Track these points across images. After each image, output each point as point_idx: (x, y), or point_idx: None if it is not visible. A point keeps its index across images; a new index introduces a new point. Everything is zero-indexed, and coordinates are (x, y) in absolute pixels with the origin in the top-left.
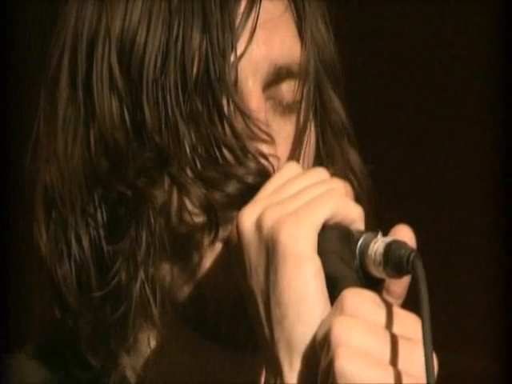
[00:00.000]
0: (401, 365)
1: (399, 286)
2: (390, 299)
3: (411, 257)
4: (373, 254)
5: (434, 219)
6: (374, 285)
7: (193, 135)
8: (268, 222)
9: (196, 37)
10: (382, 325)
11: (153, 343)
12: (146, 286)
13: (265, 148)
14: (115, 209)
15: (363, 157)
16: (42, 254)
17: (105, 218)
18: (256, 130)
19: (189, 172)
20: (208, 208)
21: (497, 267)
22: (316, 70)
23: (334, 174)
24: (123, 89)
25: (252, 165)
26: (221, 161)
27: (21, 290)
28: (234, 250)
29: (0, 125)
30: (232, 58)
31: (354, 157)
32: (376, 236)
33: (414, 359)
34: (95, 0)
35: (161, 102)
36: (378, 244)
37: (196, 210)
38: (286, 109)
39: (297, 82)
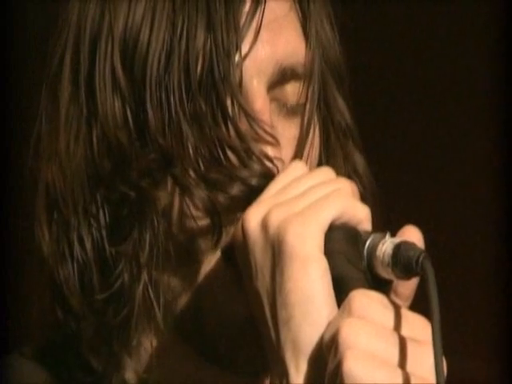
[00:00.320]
0: (409, 367)
1: (407, 287)
2: (397, 301)
3: (420, 258)
4: (381, 255)
5: (437, 221)
6: (382, 286)
7: (196, 136)
8: (274, 222)
9: (200, 36)
10: (391, 327)
11: (155, 347)
12: (149, 288)
13: (269, 150)
14: (118, 210)
15: (367, 158)
16: (44, 254)
17: (107, 218)
18: (261, 132)
19: (192, 173)
20: (211, 210)
21: (500, 269)
22: (321, 71)
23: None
24: (126, 88)
25: (256, 167)
26: (224, 162)
27: (20, 290)
28: (240, 250)
29: (0, 125)
30: (237, 58)
31: (358, 159)
32: (384, 237)
33: (423, 361)
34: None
35: (164, 101)
36: (387, 245)
37: (199, 213)
38: (290, 110)
39: (301, 84)
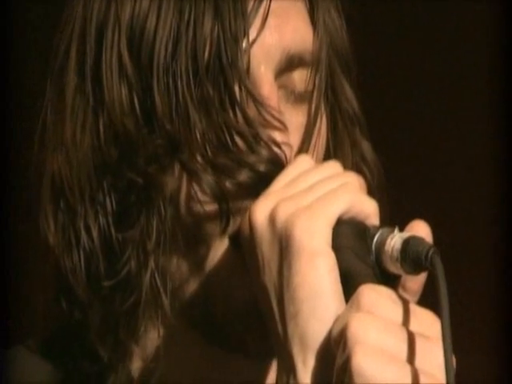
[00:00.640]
0: (418, 363)
1: (415, 282)
2: (406, 296)
3: (430, 253)
4: (390, 250)
5: (441, 214)
6: (390, 281)
7: (204, 122)
8: (282, 217)
9: (208, 22)
10: (399, 322)
11: (163, 334)
12: (157, 275)
13: (277, 136)
14: (125, 196)
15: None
16: (50, 244)
17: (114, 206)
18: (268, 117)
19: (200, 159)
20: (219, 196)
21: (501, 266)
22: (328, 59)
23: (347, 162)
24: (133, 76)
25: (264, 152)
26: (232, 148)
27: (21, 287)
28: (246, 244)
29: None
30: (244, 44)
31: (366, 147)
32: (392, 231)
33: (432, 357)
34: None
35: (171, 88)
36: (395, 240)
37: (207, 198)
38: (297, 98)
39: (309, 71)
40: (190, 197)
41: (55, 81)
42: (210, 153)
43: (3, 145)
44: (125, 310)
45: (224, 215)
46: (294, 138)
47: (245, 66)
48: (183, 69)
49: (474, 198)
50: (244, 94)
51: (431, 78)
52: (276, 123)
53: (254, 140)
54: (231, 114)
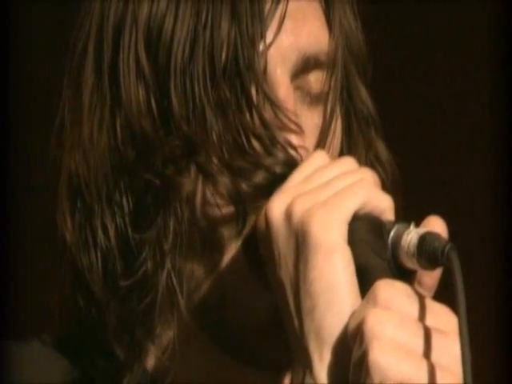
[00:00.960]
0: (435, 358)
1: (431, 277)
2: (421, 291)
3: (446, 249)
4: (406, 245)
5: (451, 214)
6: (406, 276)
7: (220, 124)
8: (298, 212)
9: (225, 25)
10: (416, 317)
11: (178, 335)
12: (173, 275)
13: (294, 138)
14: (142, 197)
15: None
16: (67, 242)
17: (131, 206)
18: (285, 120)
19: (216, 161)
20: (235, 198)
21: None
22: (344, 60)
23: (361, 162)
24: (150, 76)
25: (280, 155)
26: (249, 150)
27: (21, 285)
28: (263, 239)
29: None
30: (261, 47)
31: (381, 147)
32: (408, 227)
33: (449, 352)
34: None
35: (188, 89)
36: (412, 235)
37: (223, 201)
38: (313, 99)
39: (324, 73)
40: (205, 199)
41: (72, 79)
42: (226, 155)
43: (3, 141)
44: (141, 310)
45: (240, 217)
46: (310, 139)
47: (262, 69)
48: (200, 71)
49: (486, 197)
50: (261, 96)
51: (439, 76)
52: (292, 126)
53: (271, 142)
54: (248, 117)
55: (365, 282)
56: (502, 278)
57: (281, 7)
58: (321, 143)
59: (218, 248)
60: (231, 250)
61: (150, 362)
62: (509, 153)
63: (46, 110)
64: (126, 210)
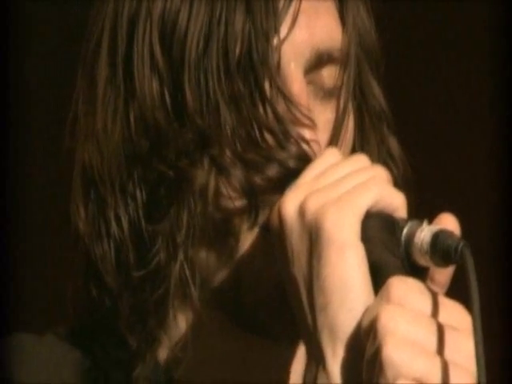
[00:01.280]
0: (448, 354)
1: (444, 274)
2: (434, 288)
3: (460, 246)
4: (419, 243)
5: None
6: (419, 273)
7: (234, 117)
8: (311, 209)
9: (239, 19)
10: (429, 314)
11: (191, 324)
12: (186, 266)
13: (306, 133)
14: (155, 189)
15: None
16: (80, 232)
17: (144, 197)
18: (298, 114)
19: (229, 154)
20: (249, 191)
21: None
22: (356, 56)
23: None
24: (164, 69)
25: (293, 149)
26: (262, 144)
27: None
28: (276, 235)
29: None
30: (275, 42)
31: (393, 143)
32: (421, 224)
33: (462, 349)
34: None
35: (202, 83)
36: (425, 233)
37: (236, 193)
38: (326, 94)
39: (337, 68)
40: (219, 191)
41: (86, 71)
42: (239, 148)
43: (3, 141)
44: (154, 300)
45: (253, 210)
46: (322, 134)
47: (275, 63)
48: (214, 65)
49: (497, 194)
50: (274, 90)
51: (444, 75)
52: (305, 120)
53: (284, 136)
54: (261, 110)
55: (378, 278)
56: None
57: (295, 2)
58: (333, 138)
59: (231, 238)
60: (244, 239)
61: (163, 352)
62: None
63: (46, 109)
64: (140, 201)
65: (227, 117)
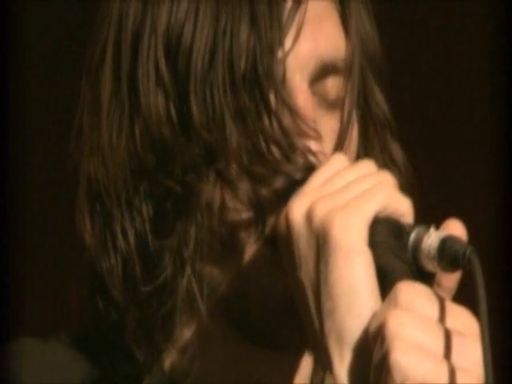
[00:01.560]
0: (455, 359)
1: (451, 279)
2: (441, 293)
3: (467, 252)
4: (427, 248)
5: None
6: (426, 278)
7: (240, 130)
8: (319, 214)
9: (244, 32)
10: (436, 319)
11: (197, 337)
12: (193, 281)
13: (312, 144)
14: (161, 203)
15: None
16: (86, 244)
17: (151, 212)
18: (304, 127)
19: (235, 167)
20: (256, 204)
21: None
22: (360, 65)
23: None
24: (169, 84)
25: (300, 161)
26: (268, 156)
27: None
28: (283, 241)
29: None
30: (280, 54)
31: (396, 150)
32: (428, 230)
33: (469, 354)
34: None
35: (208, 97)
36: (432, 238)
37: (243, 206)
38: (330, 104)
39: (341, 78)
40: (225, 204)
41: (91, 82)
42: (245, 161)
43: (4, 140)
44: (161, 315)
45: (260, 222)
46: (327, 144)
47: (280, 76)
48: (220, 78)
49: (500, 199)
50: (280, 103)
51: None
52: (311, 132)
53: (290, 148)
54: (267, 123)
55: (385, 284)
56: None
57: (299, 14)
58: (338, 147)
59: (237, 251)
60: (251, 252)
61: (169, 364)
62: None
63: (46, 109)
64: (146, 215)
65: (233, 130)
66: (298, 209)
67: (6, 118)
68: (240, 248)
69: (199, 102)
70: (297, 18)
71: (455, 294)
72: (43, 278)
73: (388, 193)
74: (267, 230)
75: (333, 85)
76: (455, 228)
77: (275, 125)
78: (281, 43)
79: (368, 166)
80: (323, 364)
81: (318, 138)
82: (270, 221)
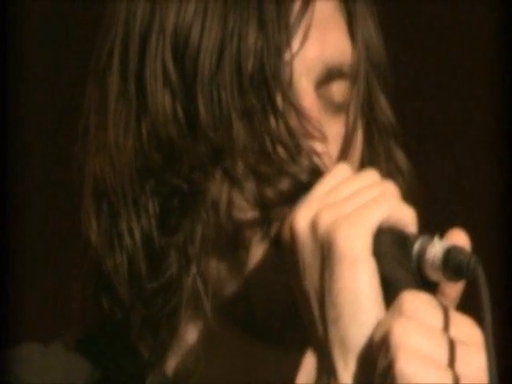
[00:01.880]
0: (458, 368)
1: (454, 289)
2: (444, 302)
3: (471, 262)
4: (431, 258)
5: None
6: (430, 288)
7: (247, 131)
8: (323, 224)
9: (252, 34)
10: (440, 328)
11: (202, 335)
12: (198, 279)
13: (318, 146)
14: (168, 201)
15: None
16: (92, 244)
17: (157, 210)
18: (309, 128)
19: (242, 167)
20: (261, 203)
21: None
22: (365, 71)
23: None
24: (177, 84)
25: (305, 162)
26: (274, 157)
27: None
28: (288, 249)
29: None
30: (287, 56)
31: (401, 157)
32: (432, 240)
33: (472, 363)
34: None
35: (215, 97)
36: (437, 248)
37: (248, 206)
38: (336, 108)
39: (347, 83)
40: (231, 203)
41: (98, 82)
42: (252, 161)
43: (3, 140)
44: (166, 312)
45: (265, 222)
46: (333, 147)
47: (287, 78)
48: (227, 79)
49: (503, 208)
50: (286, 104)
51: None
52: (316, 134)
53: (296, 149)
54: (273, 124)
55: (389, 292)
56: None
57: (306, 17)
58: (343, 152)
59: (242, 250)
60: (256, 250)
61: (174, 362)
62: None
63: (46, 109)
64: (152, 213)
65: (240, 130)
66: (302, 218)
67: (5, 118)
68: (245, 247)
69: (206, 102)
70: (304, 21)
71: (458, 303)
72: (43, 278)
73: (392, 203)
74: (272, 229)
75: (338, 89)
76: (459, 238)
77: (281, 126)
78: (288, 45)
79: (372, 175)
80: (327, 371)
81: (324, 139)
82: (275, 222)
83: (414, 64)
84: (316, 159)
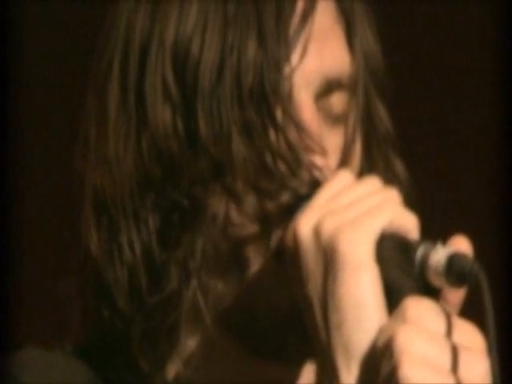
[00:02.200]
0: (461, 373)
1: (457, 295)
2: (447, 308)
3: (474, 269)
4: (434, 264)
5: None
6: (432, 294)
7: (246, 145)
8: (326, 230)
9: (251, 48)
10: (443, 334)
11: (202, 348)
12: (198, 293)
13: (318, 159)
14: (168, 215)
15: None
16: (92, 254)
17: (157, 224)
18: (309, 142)
19: (242, 182)
20: (262, 218)
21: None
22: (364, 81)
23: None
24: (177, 97)
25: (306, 176)
26: (274, 171)
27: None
28: (291, 256)
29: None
30: (286, 70)
31: (399, 166)
32: (435, 246)
33: (474, 368)
34: (147, 7)
35: (215, 111)
36: (439, 255)
37: (248, 221)
38: (335, 120)
39: (346, 94)
40: (231, 218)
41: (97, 93)
42: (252, 176)
43: (3, 140)
44: (166, 326)
45: (266, 236)
46: (332, 159)
47: (287, 92)
48: (227, 93)
49: (501, 214)
50: (286, 118)
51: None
52: (316, 147)
53: (296, 163)
54: (273, 138)
55: (392, 298)
56: None
57: (305, 30)
58: (342, 163)
59: (243, 265)
60: (256, 266)
61: (173, 374)
62: None
63: (46, 110)
64: (152, 227)
65: (240, 145)
66: (305, 224)
67: (5, 118)
68: (245, 261)
69: (206, 116)
70: (303, 35)
71: (461, 309)
72: (43, 280)
73: (394, 209)
74: (273, 244)
75: (338, 100)
76: (461, 244)
77: (281, 140)
78: (287, 59)
79: (374, 182)
80: (330, 377)
81: (324, 153)
82: (276, 235)
83: (411, 68)
84: (316, 173)
